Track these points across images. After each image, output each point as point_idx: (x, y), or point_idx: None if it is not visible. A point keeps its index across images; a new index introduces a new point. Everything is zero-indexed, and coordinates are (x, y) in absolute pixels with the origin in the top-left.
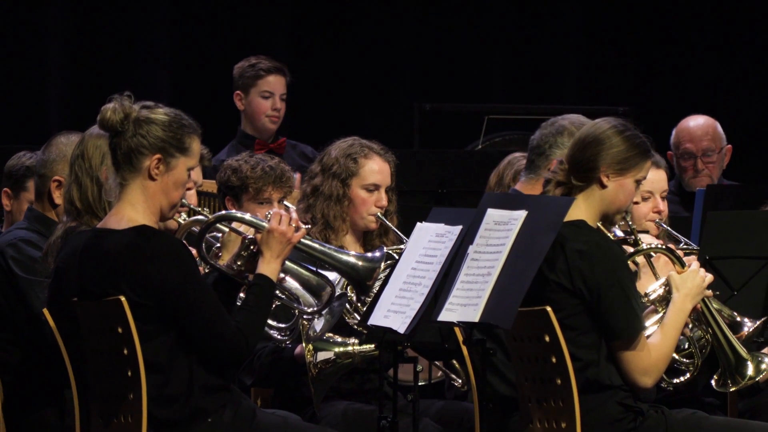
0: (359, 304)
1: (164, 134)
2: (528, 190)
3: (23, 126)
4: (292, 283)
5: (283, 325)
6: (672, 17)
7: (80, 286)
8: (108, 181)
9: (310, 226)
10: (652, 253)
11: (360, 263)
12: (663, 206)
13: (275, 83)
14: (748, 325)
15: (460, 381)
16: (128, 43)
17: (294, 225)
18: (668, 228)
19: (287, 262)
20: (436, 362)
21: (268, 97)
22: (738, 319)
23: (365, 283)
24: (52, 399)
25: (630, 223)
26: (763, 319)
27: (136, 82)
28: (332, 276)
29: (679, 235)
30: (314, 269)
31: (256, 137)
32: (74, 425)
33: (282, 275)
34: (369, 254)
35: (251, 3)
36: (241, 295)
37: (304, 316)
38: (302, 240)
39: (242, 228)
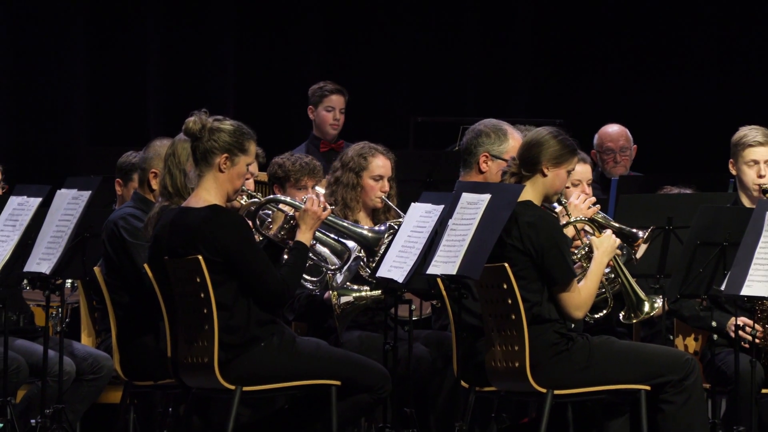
0: (370, 263)
1: (230, 139)
2: (467, 179)
3: (128, 132)
4: (321, 248)
5: (314, 279)
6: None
7: (170, 248)
8: (190, 173)
9: (335, 207)
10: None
11: (369, 234)
12: (589, 191)
13: (336, 101)
14: (641, 234)
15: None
16: (203, 67)
17: (323, 206)
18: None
19: (317, 233)
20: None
21: (330, 110)
22: (634, 230)
23: (373, 248)
24: (150, 328)
25: (563, 201)
26: (650, 229)
27: (209, 97)
28: (350, 243)
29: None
30: (336, 238)
31: (321, 139)
32: (166, 347)
33: (313, 242)
34: (376, 227)
35: (293, 34)
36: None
37: (330, 272)
38: (328, 217)
39: (285, 207)
